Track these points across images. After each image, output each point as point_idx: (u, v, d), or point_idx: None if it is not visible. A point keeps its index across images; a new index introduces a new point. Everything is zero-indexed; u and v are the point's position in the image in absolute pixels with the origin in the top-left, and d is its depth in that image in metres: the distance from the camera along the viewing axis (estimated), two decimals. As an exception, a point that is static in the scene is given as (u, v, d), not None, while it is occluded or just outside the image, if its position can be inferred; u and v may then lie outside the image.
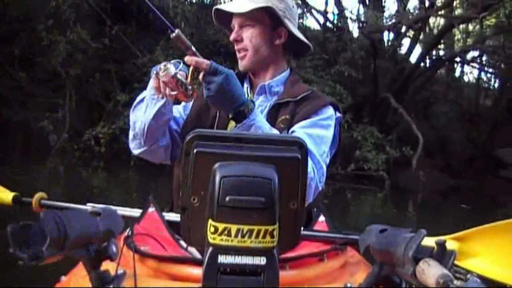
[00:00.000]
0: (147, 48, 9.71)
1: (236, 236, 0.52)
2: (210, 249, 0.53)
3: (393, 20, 12.33)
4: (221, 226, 0.52)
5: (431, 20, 13.92)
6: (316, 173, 1.13)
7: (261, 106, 1.30)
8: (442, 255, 0.67)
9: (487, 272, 1.10)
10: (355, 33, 12.93)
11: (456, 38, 16.37)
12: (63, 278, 1.06)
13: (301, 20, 11.48)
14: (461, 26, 14.16)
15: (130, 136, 1.30)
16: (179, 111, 1.37)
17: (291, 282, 0.98)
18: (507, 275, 1.09)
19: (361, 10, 13.68)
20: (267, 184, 0.52)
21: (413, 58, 13.87)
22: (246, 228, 0.52)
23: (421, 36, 14.40)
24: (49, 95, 9.33)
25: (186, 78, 1.07)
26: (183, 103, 1.39)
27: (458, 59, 14.65)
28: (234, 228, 0.52)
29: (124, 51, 10.03)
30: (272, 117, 1.25)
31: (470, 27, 15.95)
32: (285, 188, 0.54)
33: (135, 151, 1.32)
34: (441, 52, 15.25)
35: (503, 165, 12.96)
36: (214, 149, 0.54)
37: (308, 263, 1.05)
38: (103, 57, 9.82)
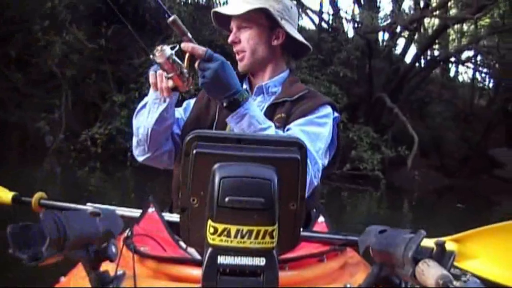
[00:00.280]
0: (142, 48, 9.72)
1: (235, 236, 0.52)
2: (210, 249, 0.53)
3: (388, 21, 12.36)
4: (220, 226, 0.52)
5: (426, 20, 13.95)
6: (311, 168, 1.14)
7: (259, 106, 1.30)
8: (441, 256, 0.67)
9: (486, 273, 1.10)
10: (350, 33, 13.02)
11: (450, 38, 16.42)
12: (63, 278, 1.06)
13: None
14: (456, 26, 14.22)
15: (134, 143, 1.31)
16: (181, 113, 1.37)
17: (291, 282, 0.98)
18: (506, 276, 1.09)
19: (356, 11, 13.76)
20: (266, 185, 0.52)
21: (408, 58, 13.98)
22: (245, 228, 0.52)
23: (416, 36, 14.46)
24: (45, 96, 9.32)
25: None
26: (184, 105, 1.39)
27: (452, 59, 14.69)
28: (233, 228, 0.52)
29: (120, 51, 10.02)
30: (268, 116, 1.24)
31: (465, 27, 16.00)
32: (284, 189, 0.54)
33: (140, 158, 1.32)
34: (436, 52, 15.27)
35: (498, 165, 13.03)
36: (214, 150, 0.55)
37: (307, 263, 1.05)
38: (99, 58, 9.82)
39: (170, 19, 1.06)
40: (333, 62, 11.04)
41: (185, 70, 1.08)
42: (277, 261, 0.53)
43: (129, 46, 9.98)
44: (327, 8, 13.84)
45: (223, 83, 1.07)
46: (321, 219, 1.30)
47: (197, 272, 0.93)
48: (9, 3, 8.75)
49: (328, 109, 1.27)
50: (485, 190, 11.55)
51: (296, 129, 1.18)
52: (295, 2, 10.92)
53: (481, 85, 17.79)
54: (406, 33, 13.56)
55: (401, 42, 14.28)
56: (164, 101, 1.19)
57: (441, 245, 0.68)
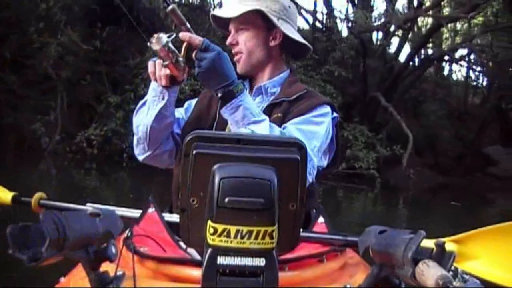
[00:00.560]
0: (137, 49, 9.71)
1: (235, 237, 0.52)
2: (210, 250, 0.53)
3: (382, 20, 12.42)
4: (220, 227, 0.52)
5: (420, 19, 14.04)
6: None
7: (258, 107, 1.30)
8: (441, 256, 0.67)
9: (486, 274, 1.10)
10: (344, 32, 13.06)
11: (444, 37, 16.49)
12: (62, 279, 1.07)
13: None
14: (449, 25, 14.28)
15: (134, 141, 1.31)
16: (181, 113, 1.37)
17: (291, 283, 0.98)
18: (506, 277, 1.10)
19: (350, 10, 13.79)
20: (266, 185, 0.52)
21: (402, 57, 14.07)
22: (245, 229, 0.52)
23: (410, 35, 14.52)
24: (41, 97, 9.31)
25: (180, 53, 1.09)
26: (185, 105, 1.40)
27: (446, 57, 14.77)
28: (233, 229, 0.52)
29: (115, 53, 10.03)
30: None
31: (458, 26, 16.10)
32: (284, 190, 0.54)
33: (140, 157, 1.33)
34: (430, 51, 15.37)
35: (492, 163, 13.17)
36: (214, 150, 0.54)
37: (307, 264, 1.05)
38: (94, 59, 9.81)
39: (169, 8, 1.07)
40: (327, 61, 11.08)
41: (180, 59, 1.09)
42: (276, 261, 0.53)
43: (124, 47, 10.02)
44: (321, 8, 13.85)
45: (219, 73, 1.08)
46: (320, 219, 1.30)
47: (197, 272, 0.93)
48: (3, 5, 8.73)
49: (325, 109, 1.27)
50: (479, 188, 11.67)
51: (292, 127, 1.17)
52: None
53: (474, 83, 17.94)
54: (400, 32, 13.64)
55: (395, 41, 14.41)
56: (163, 98, 1.20)
57: (441, 246, 0.67)
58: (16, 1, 8.99)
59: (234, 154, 0.54)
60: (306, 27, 13.40)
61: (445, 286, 0.60)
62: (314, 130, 1.20)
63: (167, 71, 1.12)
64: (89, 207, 1.23)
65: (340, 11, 14.87)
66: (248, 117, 1.10)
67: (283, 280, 0.75)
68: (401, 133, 11.17)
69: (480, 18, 13.91)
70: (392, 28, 12.62)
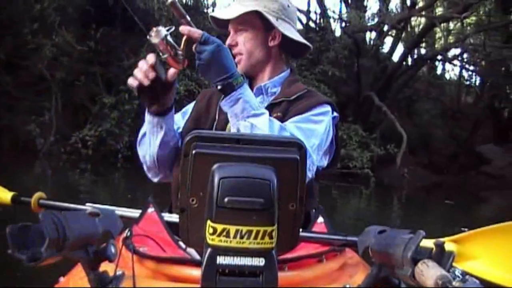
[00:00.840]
0: (132, 50, 9.69)
1: (234, 237, 0.52)
2: (209, 250, 0.53)
3: (376, 19, 12.47)
4: (219, 227, 0.52)
5: (413, 19, 14.08)
6: None
7: None
8: (440, 256, 0.67)
9: (486, 274, 1.11)
10: (338, 32, 13.10)
11: (437, 36, 16.52)
12: (62, 279, 1.06)
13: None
14: (442, 25, 14.29)
15: (145, 168, 1.32)
16: (179, 119, 1.37)
17: (290, 283, 0.98)
18: (505, 277, 1.10)
19: (343, 10, 13.84)
20: (266, 185, 0.52)
21: (395, 57, 14.12)
22: (245, 229, 0.52)
23: (403, 35, 14.57)
24: (35, 98, 9.29)
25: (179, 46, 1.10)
26: (183, 110, 1.40)
27: (439, 57, 14.78)
28: (233, 229, 0.52)
29: (109, 53, 10.01)
30: None
31: (451, 25, 16.10)
32: (284, 189, 0.54)
33: (154, 179, 1.34)
34: (423, 51, 15.44)
35: (485, 161, 13.24)
36: (213, 150, 0.54)
37: (307, 264, 1.05)
38: (89, 60, 9.79)
39: (169, 0, 1.07)
40: (321, 61, 11.13)
41: (179, 52, 1.09)
42: (276, 261, 0.53)
43: (118, 48, 10.01)
44: (315, 7, 13.88)
45: (218, 66, 1.07)
46: (320, 219, 1.30)
47: (196, 272, 0.93)
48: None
49: (325, 108, 1.27)
50: (473, 186, 11.73)
51: (291, 125, 1.17)
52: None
53: (467, 82, 18.00)
54: (393, 32, 13.68)
55: (388, 40, 14.48)
56: (161, 128, 1.20)
57: (440, 246, 0.67)
58: (10, 2, 8.98)
59: (234, 154, 0.54)
60: (300, 26, 13.42)
61: (444, 286, 0.60)
62: (313, 128, 1.20)
63: (165, 56, 1.10)
64: (89, 207, 1.23)
65: (333, 11, 14.90)
66: (248, 110, 1.09)
67: (282, 280, 0.75)
68: (395, 132, 11.24)
69: (473, 18, 13.98)
70: (386, 28, 12.67)
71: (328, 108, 1.27)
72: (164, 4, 9.84)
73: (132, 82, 1.11)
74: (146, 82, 1.09)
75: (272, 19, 1.26)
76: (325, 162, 1.28)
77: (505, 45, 12.35)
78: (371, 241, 0.77)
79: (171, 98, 1.18)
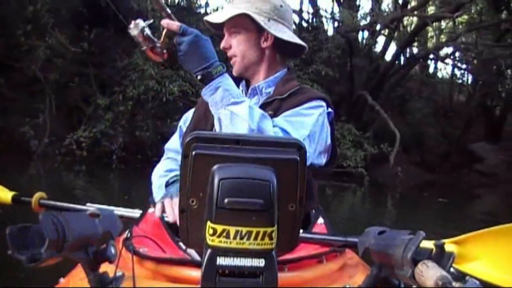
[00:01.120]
0: (125, 51, 9.71)
1: (234, 238, 0.52)
2: (209, 251, 0.53)
3: (368, 19, 12.51)
4: (219, 228, 0.52)
5: (405, 18, 14.13)
6: None
7: None
8: (441, 257, 0.67)
9: (486, 276, 1.11)
10: (330, 32, 13.15)
11: (429, 35, 16.58)
12: (62, 280, 1.07)
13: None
14: (434, 24, 14.35)
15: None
16: (181, 126, 1.40)
17: (290, 284, 0.98)
18: (505, 278, 1.10)
19: (336, 9, 13.86)
20: (265, 186, 0.52)
21: (388, 56, 14.15)
22: (244, 230, 0.52)
23: (396, 34, 14.60)
24: (29, 100, 9.28)
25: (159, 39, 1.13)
26: (183, 118, 1.41)
27: (431, 56, 14.89)
28: (232, 230, 0.52)
29: (102, 54, 10.01)
30: None
31: (443, 24, 16.15)
32: (283, 190, 0.54)
33: None
34: (415, 50, 15.55)
35: (477, 159, 13.31)
36: (213, 151, 0.54)
37: (307, 265, 1.05)
38: (82, 61, 9.79)
39: None
40: (314, 61, 11.13)
41: (158, 45, 1.12)
42: (276, 262, 0.53)
43: (112, 49, 10.00)
44: (307, 7, 13.93)
45: (197, 56, 1.08)
46: (320, 220, 1.30)
47: (196, 273, 0.94)
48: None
49: (317, 102, 1.25)
50: (465, 184, 11.80)
51: (281, 119, 1.17)
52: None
53: (460, 81, 18.07)
54: (385, 31, 13.74)
55: (380, 40, 14.48)
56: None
57: (440, 246, 0.67)
58: (2, 3, 8.95)
59: (234, 155, 0.54)
60: (292, 26, 13.45)
61: (444, 287, 0.60)
62: (302, 120, 1.19)
63: (143, 48, 1.12)
64: (89, 207, 1.23)
65: (326, 11, 14.94)
66: (227, 98, 1.09)
67: (282, 281, 0.75)
68: (388, 131, 11.29)
69: (465, 17, 14.01)
70: (378, 27, 12.72)
71: (321, 102, 1.26)
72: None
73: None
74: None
75: (262, 21, 1.25)
76: (323, 160, 1.27)
77: (497, 44, 12.44)
78: (371, 242, 0.77)
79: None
